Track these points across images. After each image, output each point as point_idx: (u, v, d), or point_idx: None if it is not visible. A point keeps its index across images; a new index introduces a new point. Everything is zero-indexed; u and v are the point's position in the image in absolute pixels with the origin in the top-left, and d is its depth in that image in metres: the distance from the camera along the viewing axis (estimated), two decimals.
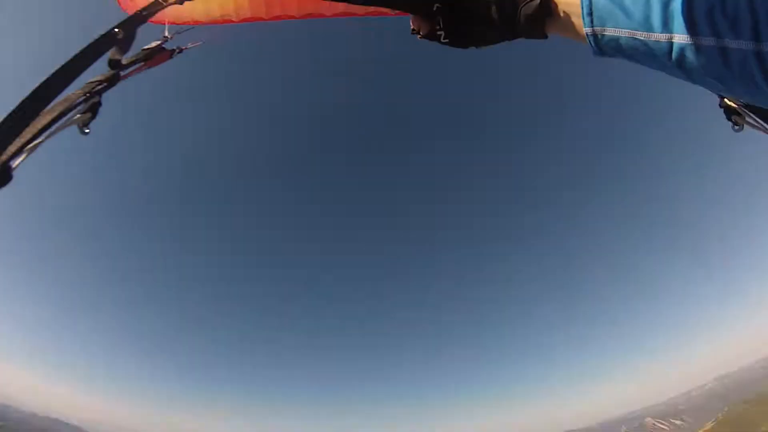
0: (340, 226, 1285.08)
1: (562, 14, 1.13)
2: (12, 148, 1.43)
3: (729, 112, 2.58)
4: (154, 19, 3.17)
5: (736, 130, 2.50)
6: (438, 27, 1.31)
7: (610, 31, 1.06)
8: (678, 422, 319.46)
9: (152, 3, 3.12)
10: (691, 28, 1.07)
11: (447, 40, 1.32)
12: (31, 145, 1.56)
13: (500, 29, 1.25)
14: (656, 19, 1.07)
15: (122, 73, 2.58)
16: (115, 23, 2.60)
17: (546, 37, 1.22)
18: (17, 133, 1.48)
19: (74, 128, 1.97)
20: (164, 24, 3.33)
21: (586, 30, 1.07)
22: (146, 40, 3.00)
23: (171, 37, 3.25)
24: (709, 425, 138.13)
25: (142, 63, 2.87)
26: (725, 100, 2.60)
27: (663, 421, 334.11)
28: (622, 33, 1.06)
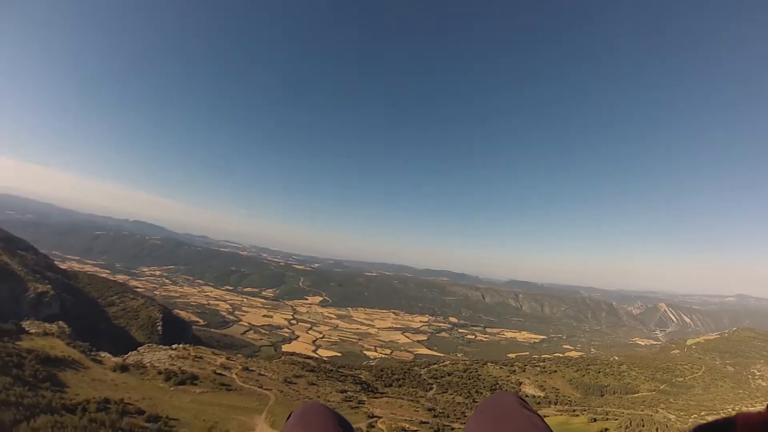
0: None
1: None
2: None
3: None
4: None
5: None
6: None
7: None
8: (687, 320, 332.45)
9: None
10: None
11: None
12: None
13: None
14: None
15: None
16: None
17: None
18: None
19: None
20: None
21: None
22: None
23: None
24: (713, 336, 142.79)
25: None
26: None
27: (674, 312, 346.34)
28: None
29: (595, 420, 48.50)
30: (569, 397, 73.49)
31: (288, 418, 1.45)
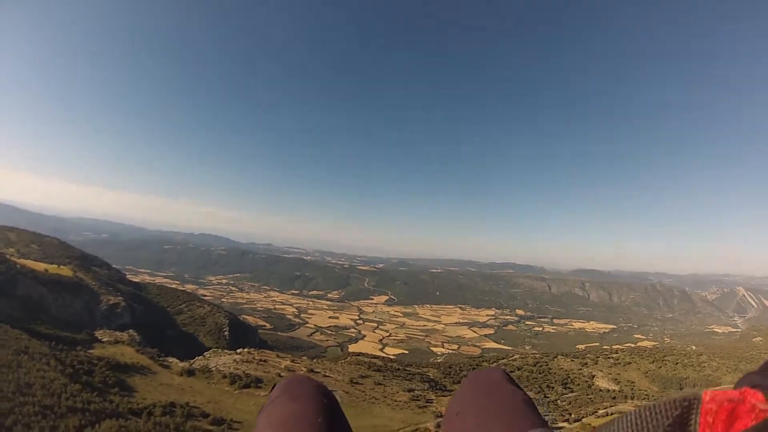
0: None
1: None
2: None
3: None
4: None
5: None
6: None
7: None
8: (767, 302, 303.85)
9: None
10: None
11: None
12: None
13: None
14: None
15: None
16: None
17: None
18: None
19: None
20: None
21: None
22: None
23: None
24: None
25: None
26: None
27: (754, 297, 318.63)
28: None
29: None
30: (646, 391, 67.79)
31: (272, 390, 1.49)
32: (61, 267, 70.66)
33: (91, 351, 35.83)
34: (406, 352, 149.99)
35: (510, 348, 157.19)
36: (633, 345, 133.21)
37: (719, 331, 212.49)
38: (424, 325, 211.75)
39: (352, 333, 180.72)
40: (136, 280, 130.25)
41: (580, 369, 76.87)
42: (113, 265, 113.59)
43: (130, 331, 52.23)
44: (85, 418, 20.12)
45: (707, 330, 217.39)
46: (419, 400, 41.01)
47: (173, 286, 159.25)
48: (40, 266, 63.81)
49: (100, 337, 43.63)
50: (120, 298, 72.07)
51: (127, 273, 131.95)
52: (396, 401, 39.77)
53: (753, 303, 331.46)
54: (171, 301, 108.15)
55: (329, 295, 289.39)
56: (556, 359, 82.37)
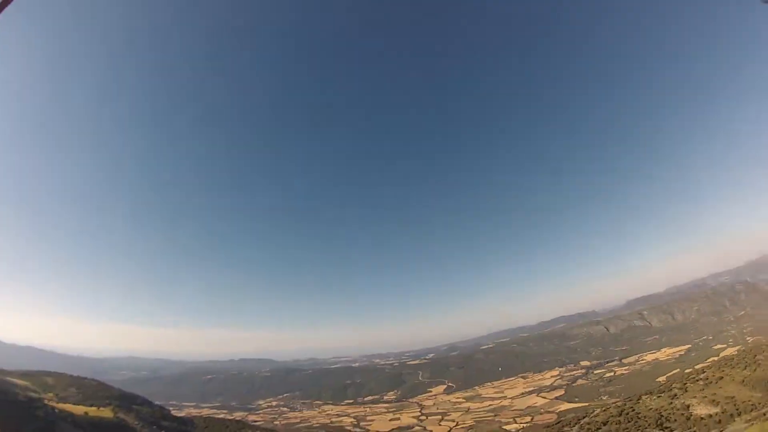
0: None
1: None
2: None
3: None
4: None
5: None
6: None
7: None
8: None
9: None
10: None
11: None
12: None
13: None
14: None
15: None
16: None
17: None
18: None
19: None
20: None
21: None
22: None
23: None
24: None
25: None
26: None
27: None
28: None
29: None
30: (750, 400, 60.98)
31: None
32: (101, 408, 70.91)
33: None
34: None
35: (587, 404, 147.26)
36: (716, 358, 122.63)
37: None
38: (490, 405, 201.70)
39: (418, 430, 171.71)
40: (181, 414, 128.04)
41: (671, 402, 70.96)
42: (155, 402, 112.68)
43: None
44: None
45: None
46: None
47: (221, 416, 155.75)
48: (80, 409, 64.25)
49: None
50: None
51: (171, 408, 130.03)
52: None
53: None
54: (220, 431, 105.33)
55: (385, 398, 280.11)
56: (641, 401, 76.40)
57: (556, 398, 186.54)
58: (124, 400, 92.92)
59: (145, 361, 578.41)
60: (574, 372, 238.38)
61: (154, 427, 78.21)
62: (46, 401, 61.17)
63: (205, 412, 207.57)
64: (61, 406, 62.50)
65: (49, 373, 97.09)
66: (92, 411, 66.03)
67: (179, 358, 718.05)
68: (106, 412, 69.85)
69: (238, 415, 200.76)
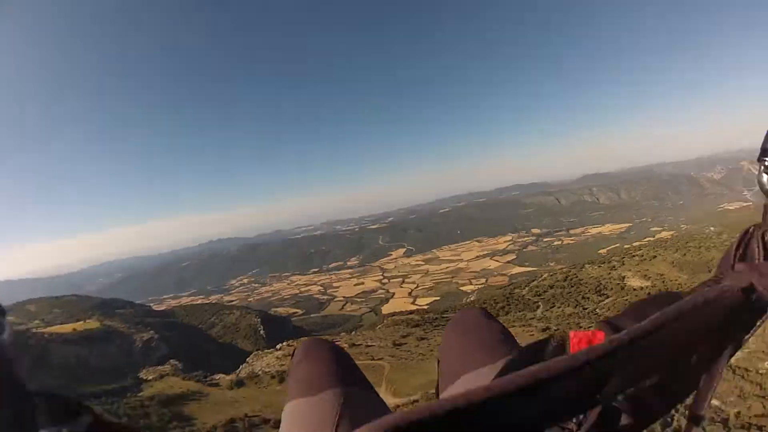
0: None
1: None
2: None
3: None
4: None
5: None
6: None
7: None
8: None
9: None
10: None
11: None
12: None
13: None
14: None
15: None
16: None
17: None
18: None
19: None
20: None
21: None
22: None
23: None
24: None
25: None
26: None
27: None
28: None
29: None
30: (677, 280, 68.96)
31: (292, 355, 1.63)
32: (87, 321, 71.87)
33: (140, 394, 36.92)
34: (438, 298, 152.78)
35: (536, 268, 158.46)
36: (653, 238, 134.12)
37: (731, 208, 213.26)
38: (447, 267, 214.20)
39: (381, 294, 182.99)
40: (162, 308, 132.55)
41: (610, 273, 77.66)
42: (136, 302, 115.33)
43: (171, 361, 53.52)
44: None
45: (720, 209, 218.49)
46: None
47: (198, 302, 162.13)
48: (67, 328, 64.98)
49: (144, 377, 44.85)
50: (151, 332, 73.44)
51: (152, 304, 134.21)
52: None
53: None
54: (201, 317, 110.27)
55: (349, 263, 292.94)
56: (584, 269, 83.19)
57: (508, 262, 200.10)
58: (106, 307, 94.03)
59: (119, 264, 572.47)
60: (526, 238, 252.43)
61: (140, 326, 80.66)
62: (34, 330, 61.45)
63: (184, 300, 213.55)
64: (49, 330, 63.06)
65: (30, 301, 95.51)
66: (79, 326, 67.21)
67: (153, 252, 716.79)
68: (93, 323, 71.26)
69: (213, 298, 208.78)
